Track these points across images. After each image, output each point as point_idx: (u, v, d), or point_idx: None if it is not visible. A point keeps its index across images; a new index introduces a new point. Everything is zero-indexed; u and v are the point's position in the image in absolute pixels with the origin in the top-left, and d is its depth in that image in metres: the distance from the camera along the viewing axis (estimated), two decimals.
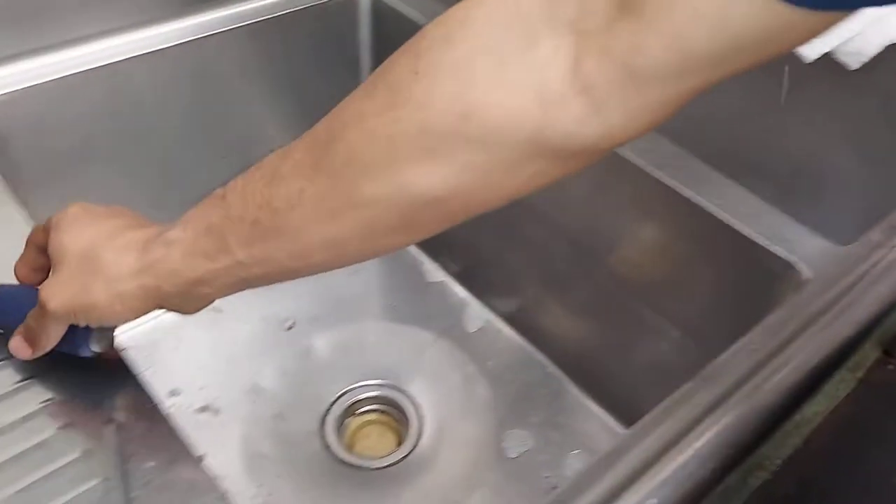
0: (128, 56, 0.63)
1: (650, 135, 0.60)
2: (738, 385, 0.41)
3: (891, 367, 0.52)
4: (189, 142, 0.73)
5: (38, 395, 0.39)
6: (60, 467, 0.36)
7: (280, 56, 0.74)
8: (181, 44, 0.65)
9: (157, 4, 0.65)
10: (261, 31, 0.70)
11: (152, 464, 0.37)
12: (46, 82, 0.59)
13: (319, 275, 0.90)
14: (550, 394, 0.78)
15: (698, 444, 0.39)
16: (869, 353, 0.50)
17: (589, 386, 0.76)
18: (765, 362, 0.42)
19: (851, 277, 0.46)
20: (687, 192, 0.55)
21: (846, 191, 0.54)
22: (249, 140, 0.78)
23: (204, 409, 0.75)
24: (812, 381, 0.44)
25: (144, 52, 0.63)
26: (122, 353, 0.43)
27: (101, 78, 0.63)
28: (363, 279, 0.89)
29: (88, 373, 0.41)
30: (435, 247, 0.89)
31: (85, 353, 0.41)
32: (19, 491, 0.34)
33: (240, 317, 0.83)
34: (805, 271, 0.48)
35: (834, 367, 0.45)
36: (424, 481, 0.72)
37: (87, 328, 0.39)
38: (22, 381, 0.40)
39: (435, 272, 0.90)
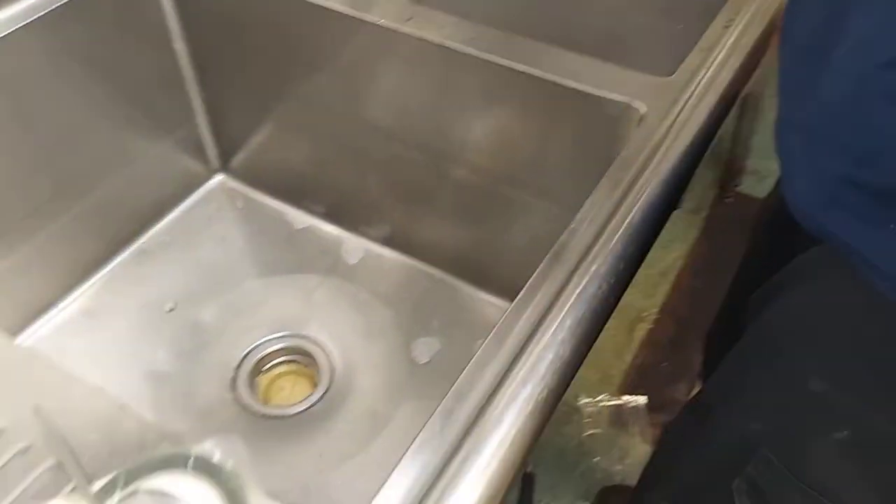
0: None
1: (470, 24, 0.63)
2: (598, 236, 0.46)
3: (729, 199, 0.58)
4: (9, 147, 0.68)
5: None
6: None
7: (83, 39, 0.70)
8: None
9: None
10: (57, 19, 0.66)
11: None
12: None
13: (187, 252, 0.89)
14: (444, 297, 0.82)
15: (575, 296, 0.43)
16: (707, 192, 0.57)
17: (477, 279, 0.80)
18: (619, 203, 0.47)
19: (681, 103, 0.51)
20: (520, 67, 0.58)
21: (656, 33, 0.59)
22: (74, 133, 0.74)
23: None
24: (669, 197, 0.49)
25: None
26: None
27: None
28: (230, 245, 0.88)
29: None
30: (294, 194, 0.89)
31: None
32: None
33: (116, 314, 0.80)
34: (641, 107, 0.53)
35: (685, 184, 0.51)
36: (349, 410, 0.75)
37: None
38: None
39: (301, 218, 0.90)
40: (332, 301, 0.83)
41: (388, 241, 0.85)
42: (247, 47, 0.78)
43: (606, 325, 0.45)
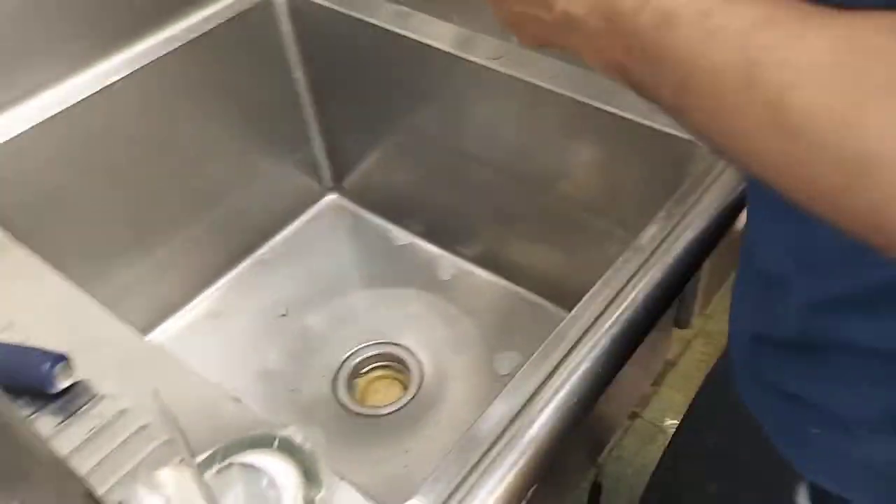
0: (78, 99, 0.69)
1: (555, 61, 0.68)
2: (653, 251, 0.50)
3: None
4: (150, 165, 0.79)
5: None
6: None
7: (214, 70, 0.80)
8: (123, 78, 0.71)
9: (87, 46, 0.70)
10: (192, 50, 0.76)
11: None
12: (11, 138, 0.65)
13: (300, 263, 0.97)
14: (529, 315, 0.86)
15: (630, 299, 0.48)
16: None
17: (558, 298, 0.84)
18: (668, 234, 0.51)
19: None
20: (598, 104, 0.63)
21: None
22: (205, 153, 0.84)
23: None
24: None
25: (91, 92, 0.69)
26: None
27: (57, 125, 0.69)
28: (339, 258, 0.96)
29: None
30: (397, 213, 0.97)
31: (50, 390, 0.46)
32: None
33: (236, 316, 0.90)
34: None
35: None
36: (435, 414, 0.81)
37: (52, 367, 0.45)
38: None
39: (402, 235, 0.97)
40: (425, 314, 0.89)
41: (479, 261, 0.91)
42: (360, 78, 0.85)
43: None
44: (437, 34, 0.76)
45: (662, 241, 0.50)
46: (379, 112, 0.88)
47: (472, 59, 0.73)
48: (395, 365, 0.86)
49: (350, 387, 0.84)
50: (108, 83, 0.70)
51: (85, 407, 0.45)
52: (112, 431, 0.45)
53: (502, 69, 0.71)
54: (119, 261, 0.78)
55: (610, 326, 0.49)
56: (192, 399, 0.47)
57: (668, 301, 0.50)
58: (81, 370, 0.47)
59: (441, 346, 0.86)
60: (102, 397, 0.46)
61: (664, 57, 0.28)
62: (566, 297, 0.83)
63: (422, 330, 0.87)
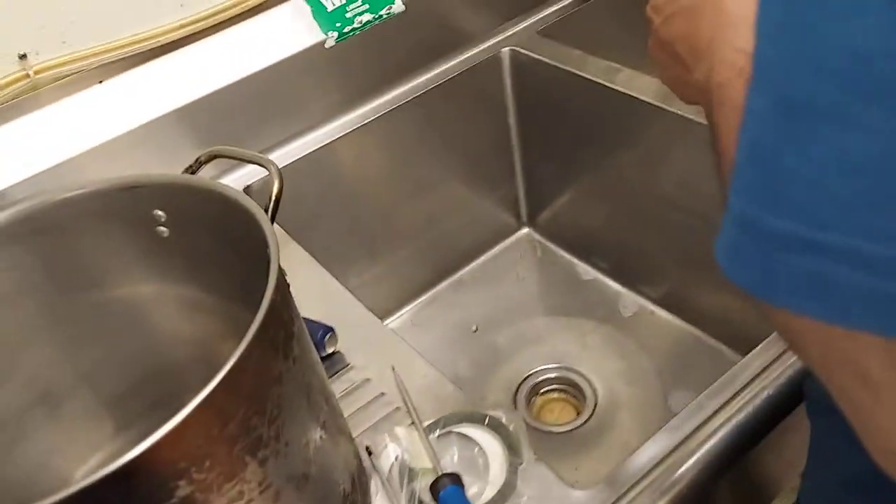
0: (341, 135, 0.84)
1: None
2: None
3: None
4: (386, 193, 0.93)
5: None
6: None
7: (445, 114, 0.93)
8: (375, 118, 0.86)
9: (349, 94, 0.86)
10: (430, 98, 0.90)
11: None
12: (290, 163, 0.81)
13: (493, 287, 1.07)
14: (705, 357, 0.91)
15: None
16: None
17: (737, 343, 0.88)
18: None
19: None
20: None
21: None
22: (428, 184, 0.97)
23: None
24: None
25: (352, 129, 0.84)
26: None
27: (323, 156, 0.84)
28: (528, 286, 1.06)
29: None
30: (585, 249, 1.05)
31: (321, 353, 0.58)
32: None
33: (433, 328, 1.02)
34: None
35: None
36: (605, 440, 0.87)
37: (323, 336, 0.57)
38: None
39: (588, 271, 1.05)
40: (603, 345, 0.96)
41: (662, 302, 0.97)
42: (564, 125, 0.95)
43: None
44: (641, 87, 0.84)
45: None
46: (577, 156, 0.98)
47: (673, 110, 0.81)
48: (570, 389, 0.94)
49: (529, 403, 0.93)
50: (363, 123, 0.85)
51: (340, 372, 0.58)
52: (359, 394, 0.57)
53: (703, 120, 0.77)
54: (352, 268, 0.93)
55: (778, 376, 0.54)
56: (418, 378, 0.58)
57: None
58: (339, 343, 0.59)
59: (615, 377, 0.92)
60: (353, 367, 0.58)
61: None
62: (743, 342, 0.87)
63: (599, 360, 0.95)
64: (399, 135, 0.90)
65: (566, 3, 1.00)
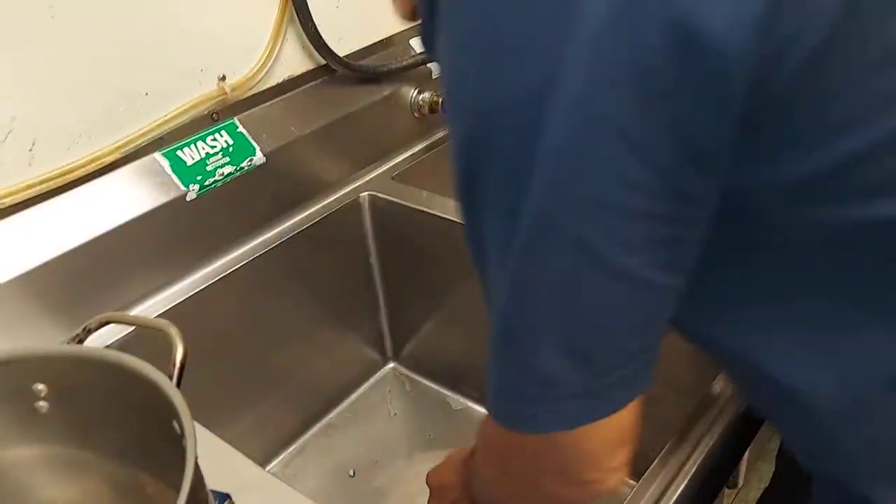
0: (205, 286, 0.82)
1: None
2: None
3: None
4: (245, 342, 0.91)
5: None
6: None
7: (308, 258, 0.94)
8: (238, 268, 0.85)
9: (212, 244, 0.84)
10: (293, 243, 0.90)
11: None
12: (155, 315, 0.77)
13: (365, 427, 1.05)
14: None
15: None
16: None
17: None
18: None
19: None
20: None
21: None
22: (289, 330, 0.96)
23: None
24: None
25: (213, 280, 0.83)
26: None
27: (188, 307, 0.81)
28: (400, 422, 1.05)
29: None
30: (451, 378, 1.07)
31: None
32: None
33: (308, 477, 0.98)
34: None
35: None
36: None
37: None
38: None
39: (458, 400, 1.06)
40: None
41: None
42: (421, 258, 0.99)
43: None
44: None
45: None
46: (435, 288, 1.01)
47: None
48: None
49: None
50: (227, 273, 0.84)
51: None
52: None
53: None
54: (221, 418, 0.88)
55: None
56: None
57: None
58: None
59: None
60: None
61: None
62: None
63: None
64: (263, 282, 0.89)
65: (415, 150, 1.06)
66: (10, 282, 0.66)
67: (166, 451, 0.41)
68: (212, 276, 0.83)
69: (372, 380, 1.11)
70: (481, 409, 1.04)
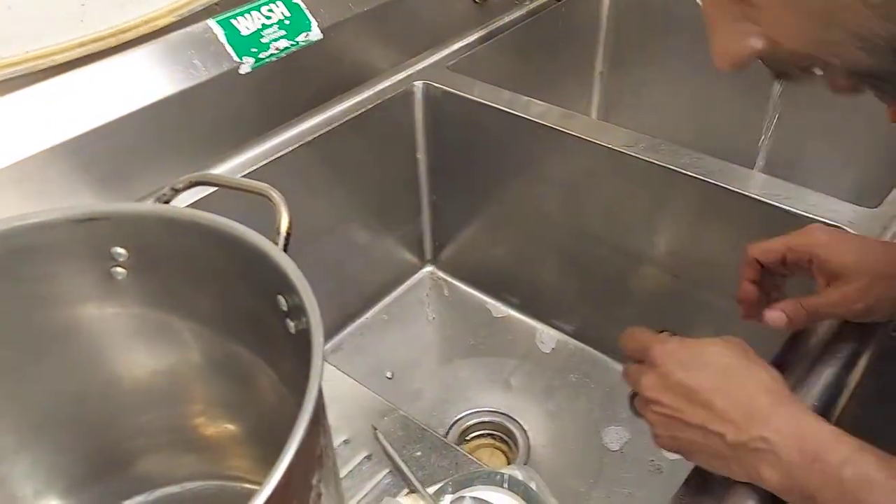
0: (251, 169, 0.76)
1: (685, 150, 0.74)
2: None
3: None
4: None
5: None
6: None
7: (356, 148, 0.87)
8: (290, 150, 0.79)
9: (261, 125, 0.78)
10: (341, 130, 0.83)
11: None
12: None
13: (407, 327, 1.01)
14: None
15: None
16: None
17: None
18: None
19: (889, 233, 0.61)
20: (734, 187, 0.70)
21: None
22: (333, 222, 0.90)
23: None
24: None
25: (266, 161, 0.76)
26: None
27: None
28: (439, 327, 1.01)
29: None
30: (494, 286, 1.02)
31: None
32: None
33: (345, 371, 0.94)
34: (852, 232, 0.62)
35: None
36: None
37: None
38: None
39: (499, 308, 1.02)
40: (527, 384, 0.93)
41: (580, 334, 0.96)
42: (474, 156, 0.93)
43: None
44: (552, 117, 0.83)
45: None
46: (484, 189, 0.95)
47: (586, 137, 0.80)
48: (499, 433, 0.90)
49: None
50: (279, 154, 0.77)
51: None
52: (343, 458, 0.49)
53: (634, 154, 0.77)
54: None
55: None
56: (407, 436, 0.51)
57: None
58: None
59: (545, 416, 0.90)
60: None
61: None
62: None
63: (525, 400, 0.92)
64: (305, 172, 0.83)
65: (471, 39, 0.98)
66: (43, 151, 0.60)
67: (264, 325, 0.37)
68: (248, 165, 0.77)
69: (408, 282, 1.06)
70: (523, 318, 1.00)
